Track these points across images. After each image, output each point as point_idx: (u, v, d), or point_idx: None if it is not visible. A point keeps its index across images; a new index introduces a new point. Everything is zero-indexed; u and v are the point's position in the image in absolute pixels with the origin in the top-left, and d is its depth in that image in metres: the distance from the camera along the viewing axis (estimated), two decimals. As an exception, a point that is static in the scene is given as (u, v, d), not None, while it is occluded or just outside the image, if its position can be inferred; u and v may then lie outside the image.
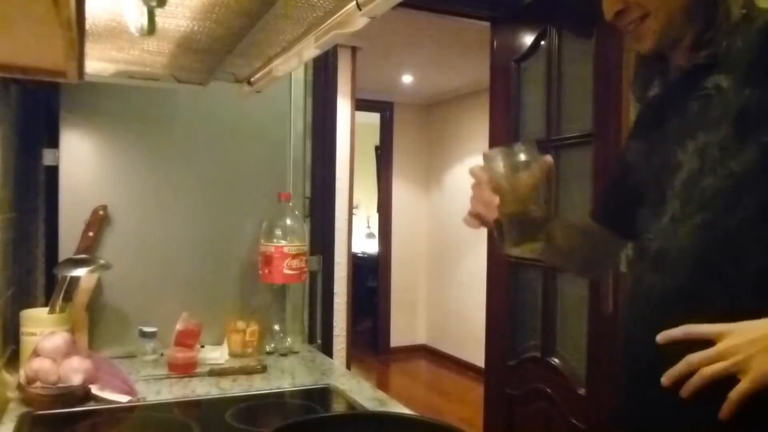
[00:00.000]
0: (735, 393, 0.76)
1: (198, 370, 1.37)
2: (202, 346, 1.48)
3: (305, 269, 1.59)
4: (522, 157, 0.96)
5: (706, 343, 0.80)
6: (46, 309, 1.29)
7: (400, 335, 5.72)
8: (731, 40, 0.88)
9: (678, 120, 0.93)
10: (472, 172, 0.98)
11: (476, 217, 0.98)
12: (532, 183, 0.95)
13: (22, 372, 1.15)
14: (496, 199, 0.95)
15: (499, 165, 0.95)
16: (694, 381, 0.79)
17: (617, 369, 1.00)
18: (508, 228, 0.97)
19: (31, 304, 1.45)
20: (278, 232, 1.55)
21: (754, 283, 0.83)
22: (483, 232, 1.09)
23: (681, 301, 0.86)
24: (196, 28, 0.91)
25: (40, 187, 1.55)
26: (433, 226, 5.66)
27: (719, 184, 0.84)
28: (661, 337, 0.83)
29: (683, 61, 0.96)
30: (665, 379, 0.82)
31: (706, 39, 0.90)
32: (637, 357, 0.92)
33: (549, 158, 0.97)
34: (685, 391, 0.80)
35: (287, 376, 1.39)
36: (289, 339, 1.58)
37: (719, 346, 0.78)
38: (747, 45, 0.87)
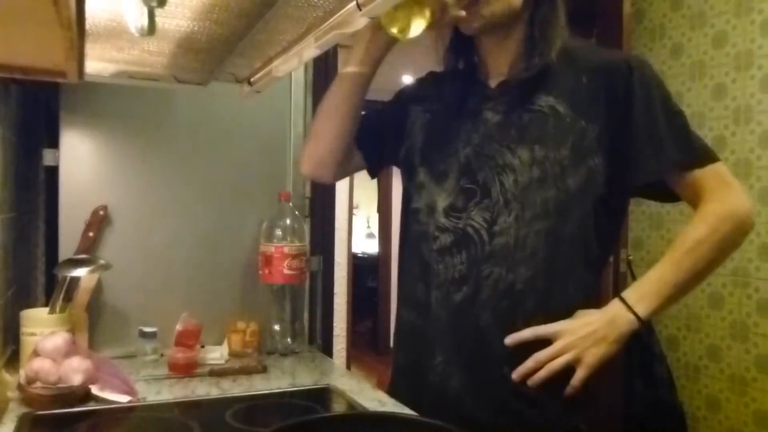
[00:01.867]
0: (576, 380, 0.97)
1: (198, 370, 1.37)
2: (202, 346, 1.48)
3: (305, 269, 1.59)
4: None
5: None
6: (46, 309, 1.29)
7: (400, 335, 5.71)
8: (559, 70, 1.03)
9: (502, 123, 1.04)
10: None
11: None
12: None
13: (22, 372, 1.15)
14: None
15: None
16: (542, 374, 0.97)
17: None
18: None
19: (31, 304, 1.45)
20: (278, 232, 1.54)
21: (577, 285, 1.02)
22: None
23: (525, 295, 0.99)
24: (196, 28, 0.91)
25: (40, 187, 1.55)
26: (433, 226, 5.65)
27: (558, 197, 0.99)
28: (510, 339, 0.98)
29: (505, 71, 1.06)
30: (516, 375, 0.98)
31: (532, 61, 1.02)
32: (482, 341, 1.00)
33: None
34: (534, 381, 0.97)
35: (287, 376, 1.39)
36: (289, 339, 1.58)
37: (558, 344, 0.97)
38: (580, 81, 1.02)
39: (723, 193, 1.00)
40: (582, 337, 0.96)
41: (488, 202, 1.02)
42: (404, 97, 1.25)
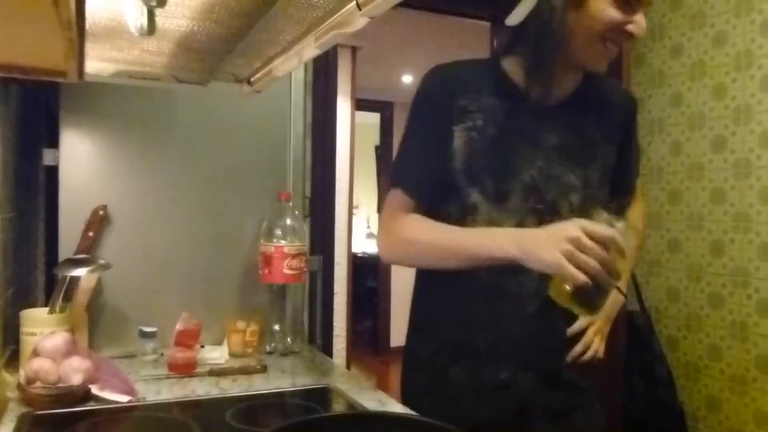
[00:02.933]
0: (602, 351, 1.22)
1: (198, 370, 1.37)
2: (202, 346, 1.48)
3: (305, 269, 1.59)
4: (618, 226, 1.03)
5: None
6: (46, 309, 1.29)
7: (400, 335, 5.69)
8: (599, 103, 1.20)
9: (559, 145, 1.15)
10: (608, 234, 0.98)
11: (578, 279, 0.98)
12: (624, 257, 1.04)
13: (22, 372, 1.15)
14: (622, 274, 1.03)
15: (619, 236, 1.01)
16: (591, 354, 1.20)
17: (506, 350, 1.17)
18: (590, 294, 1.01)
19: (31, 304, 1.46)
20: (278, 232, 1.54)
21: None
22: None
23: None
24: (196, 28, 0.91)
25: (40, 187, 1.55)
26: (433, 226, 5.64)
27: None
28: (571, 332, 1.19)
29: (560, 95, 1.16)
30: (570, 357, 1.19)
31: (588, 86, 1.18)
32: (552, 340, 1.18)
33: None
34: (587, 358, 1.19)
35: (287, 376, 1.39)
36: (289, 339, 1.58)
37: (594, 328, 1.21)
38: (604, 108, 1.20)
39: (640, 201, 1.37)
40: (603, 320, 1.23)
41: (559, 219, 1.09)
42: (444, 116, 1.15)
